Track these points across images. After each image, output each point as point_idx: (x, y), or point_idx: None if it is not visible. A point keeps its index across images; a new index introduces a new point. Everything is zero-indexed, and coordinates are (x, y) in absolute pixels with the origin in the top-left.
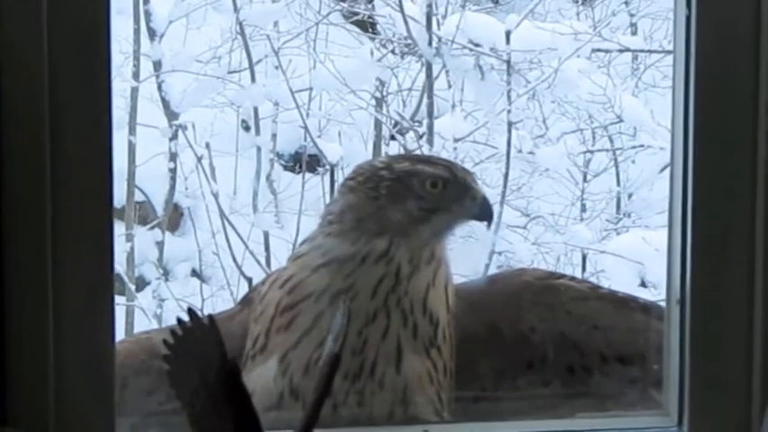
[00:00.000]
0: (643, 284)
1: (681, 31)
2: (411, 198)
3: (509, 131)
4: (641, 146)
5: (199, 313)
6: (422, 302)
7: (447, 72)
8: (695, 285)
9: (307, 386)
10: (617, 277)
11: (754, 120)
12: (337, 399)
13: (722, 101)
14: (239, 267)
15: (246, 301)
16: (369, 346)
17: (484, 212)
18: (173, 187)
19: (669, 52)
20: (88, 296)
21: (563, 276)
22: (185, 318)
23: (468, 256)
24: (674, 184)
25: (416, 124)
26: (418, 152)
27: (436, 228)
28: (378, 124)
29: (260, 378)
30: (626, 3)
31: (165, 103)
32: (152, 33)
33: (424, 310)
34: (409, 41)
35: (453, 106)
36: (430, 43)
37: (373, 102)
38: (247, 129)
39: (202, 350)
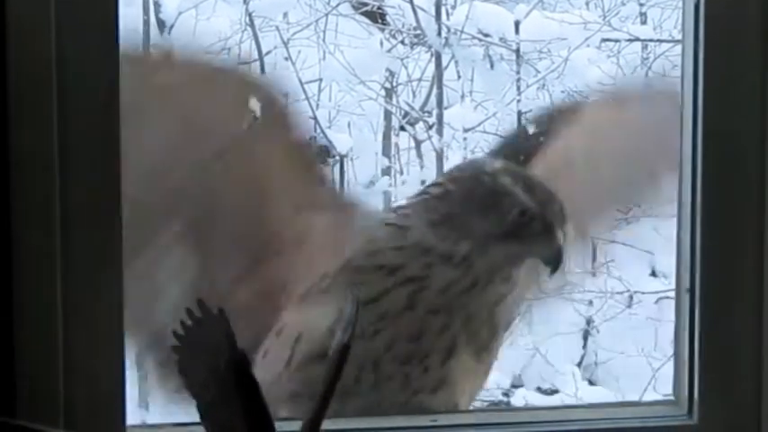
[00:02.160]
0: (653, 274)
1: (689, 20)
2: (497, 215)
3: (519, 121)
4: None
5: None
6: (488, 314)
7: (456, 62)
8: (705, 274)
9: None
10: (627, 267)
11: (763, 109)
12: (382, 376)
13: (730, 89)
14: None
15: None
16: (425, 338)
17: (552, 260)
18: None
19: (678, 41)
20: (98, 290)
21: None
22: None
23: None
24: (683, 172)
25: (426, 114)
26: (462, 152)
27: (509, 252)
28: (387, 115)
29: (314, 321)
30: None
31: None
32: (161, 24)
33: (489, 321)
34: (419, 32)
35: (463, 96)
36: (439, 33)
37: (383, 92)
38: (256, 118)
39: (212, 341)
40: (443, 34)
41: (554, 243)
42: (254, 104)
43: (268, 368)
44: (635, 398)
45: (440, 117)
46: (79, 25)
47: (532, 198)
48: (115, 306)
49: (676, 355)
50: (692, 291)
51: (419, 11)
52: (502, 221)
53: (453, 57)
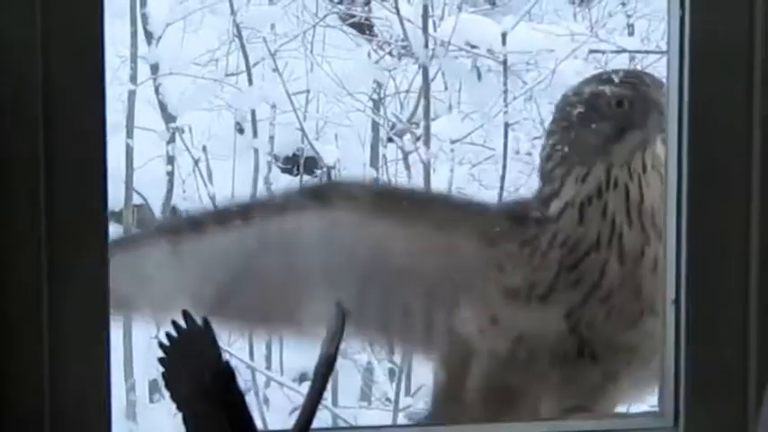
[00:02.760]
0: None
1: (675, 31)
2: (601, 120)
3: (506, 133)
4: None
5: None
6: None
7: (443, 74)
8: (690, 285)
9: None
10: None
11: (748, 119)
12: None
13: (716, 101)
14: None
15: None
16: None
17: (659, 128)
18: (170, 190)
19: (665, 53)
20: (84, 300)
21: None
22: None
23: None
24: (668, 183)
25: (414, 126)
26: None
27: (632, 145)
28: (375, 126)
29: (540, 327)
30: (623, 3)
31: (163, 107)
32: (149, 36)
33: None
34: (406, 43)
35: (450, 108)
36: (426, 45)
37: (370, 104)
38: (241, 131)
39: (198, 352)
40: (431, 46)
41: (663, 110)
42: None
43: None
44: (622, 409)
45: (427, 128)
46: (64, 36)
47: (619, 88)
48: (100, 313)
49: (661, 366)
50: (677, 302)
51: (406, 22)
52: (609, 122)
53: (440, 68)
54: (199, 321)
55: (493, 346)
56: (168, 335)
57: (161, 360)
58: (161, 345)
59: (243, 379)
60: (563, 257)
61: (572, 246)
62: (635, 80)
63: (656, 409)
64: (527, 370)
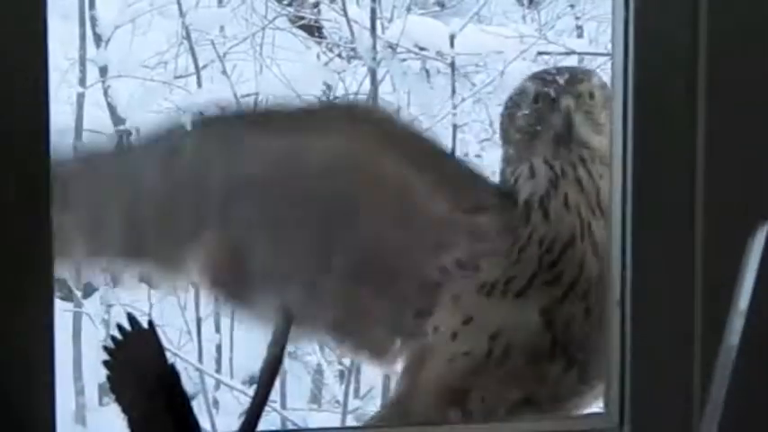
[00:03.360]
0: None
1: (619, 34)
2: (522, 117)
3: (454, 135)
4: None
5: (139, 319)
6: None
7: (392, 76)
8: (635, 286)
9: (569, 341)
10: None
11: (691, 122)
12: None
13: (660, 102)
14: None
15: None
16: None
17: (561, 126)
18: None
19: (610, 55)
20: (27, 305)
21: None
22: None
23: None
24: (613, 185)
25: None
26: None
27: (548, 140)
28: None
29: (515, 323)
30: (572, 6)
31: (112, 109)
32: (98, 39)
33: None
34: (355, 45)
35: (399, 110)
36: (374, 47)
37: None
38: None
39: (143, 355)
40: (379, 48)
41: (561, 108)
42: None
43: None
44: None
45: None
46: (6, 37)
47: (534, 82)
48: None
49: (607, 366)
50: (622, 303)
51: (355, 24)
52: (528, 118)
53: (389, 70)
54: (144, 324)
55: (466, 347)
56: (113, 338)
57: (106, 363)
58: (106, 348)
59: (192, 382)
60: (542, 255)
61: (549, 244)
62: (551, 77)
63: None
64: (501, 370)
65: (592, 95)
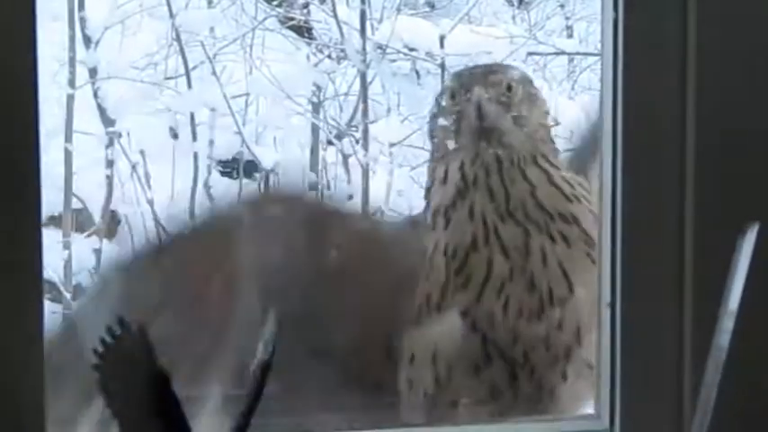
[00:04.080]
0: None
1: (608, 34)
2: (442, 113)
3: None
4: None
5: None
6: None
7: (382, 77)
8: (625, 289)
9: (500, 338)
10: None
11: (681, 121)
12: None
13: (650, 103)
14: None
15: (412, 224)
16: None
17: (474, 116)
18: (110, 195)
19: (600, 55)
20: (16, 306)
21: None
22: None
23: None
24: (603, 186)
25: (353, 129)
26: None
27: (466, 141)
28: (315, 129)
29: (444, 335)
30: (561, 6)
31: (102, 110)
32: (88, 40)
33: None
34: (345, 46)
35: (389, 111)
36: (364, 48)
37: (310, 107)
38: (176, 137)
39: (133, 358)
40: (369, 49)
41: (472, 99)
42: None
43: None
44: None
45: (365, 131)
46: None
47: (450, 80)
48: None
49: (597, 368)
50: (612, 305)
51: (345, 25)
52: (446, 116)
53: (379, 71)
54: (134, 327)
55: (420, 386)
56: (103, 341)
57: (95, 366)
58: (95, 351)
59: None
60: (448, 262)
61: (452, 251)
62: (467, 72)
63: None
64: (451, 387)
65: (509, 87)
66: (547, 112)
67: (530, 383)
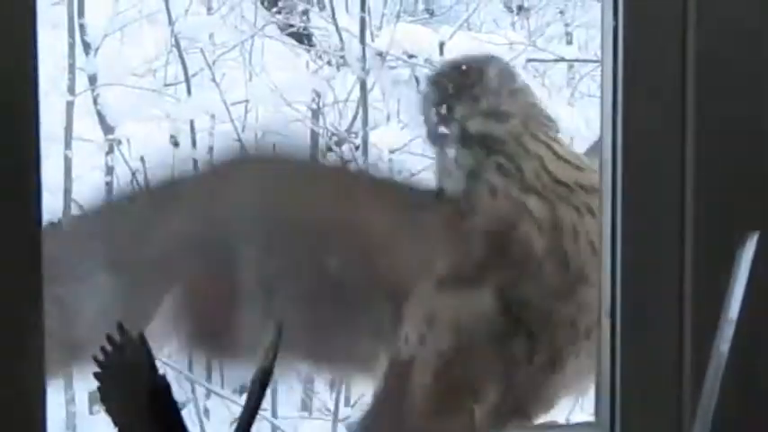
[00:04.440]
0: None
1: (608, 41)
2: (428, 115)
3: None
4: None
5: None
6: None
7: (382, 84)
8: (625, 297)
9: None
10: None
11: (681, 130)
12: None
13: (649, 111)
14: None
15: (445, 199)
16: None
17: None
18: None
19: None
20: (19, 312)
21: None
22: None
23: None
24: (603, 194)
25: (353, 136)
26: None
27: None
28: (314, 136)
29: (472, 308)
30: (561, 12)
31: (101, 117)
32: (87, 47)
33: None
34: (344, 53)
35: (389, 117)
36: (364, 55)
37: (309, 114)
38: (176, 144)
39: (133, 365)
40: (368, 55)
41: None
42: None
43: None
44: (562, 418)
45: (365, 138)
46: None
47: (435, 90)
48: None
49: (598, 377)
50: (612, 314)
51: (344, 32)
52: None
53: (378, 78)
54: (134, 335)
55: (434, 348)
56: (103, 348)
57: (96, 374)
58: (95, 358)
59: (183, 391)
60: (486, 242)
61: (490, 230)
62: (443, 81)
63: (593, 419)
64: (470, 362)
65: (481, 94)
66: (532, 93)
67: (546, 358)
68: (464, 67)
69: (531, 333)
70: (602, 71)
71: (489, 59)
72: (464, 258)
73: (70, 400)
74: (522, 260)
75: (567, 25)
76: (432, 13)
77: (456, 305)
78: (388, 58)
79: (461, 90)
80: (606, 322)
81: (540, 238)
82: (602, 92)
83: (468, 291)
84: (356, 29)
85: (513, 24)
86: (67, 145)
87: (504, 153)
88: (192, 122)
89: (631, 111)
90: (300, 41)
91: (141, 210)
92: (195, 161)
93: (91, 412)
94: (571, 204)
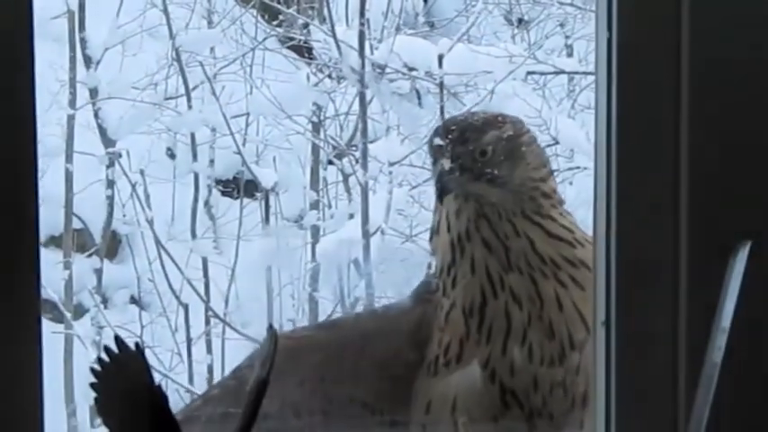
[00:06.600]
0: None
1: (602, 53)
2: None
3: None
4: (578, 168)
5: (126, 341)
6: None
7: (381, 96)
8: (620, 307)
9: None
10: None
11: (675, 142)
12: None
13: (643, 122)
14: (176, 295)
15: (421, 300)
16: None
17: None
18: (110, 215)
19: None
20: (13, 329)
21: None
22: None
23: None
24: (597, 205)
25: (353, 148)
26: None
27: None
28: (315, 149)
29: (463, 385)
30: (561, 25)
31: (102, 131)
32: (88, 61)
33: None
34: (344, 66)
35: (388, 130)
36: (363, 68)
37: (310, 126)
38: (172, 156)
39: (130, 378)
40: (368, 68)
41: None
42: None
43: None
44: None
45: (364, 151)
46: None
47: (434, 134)
48: (33, 342)
49: (593, 387)
50: (607, 323)
51: (343, 45)
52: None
53: (378, 91)
54: (131, 346)
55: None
56: (101, 360)
57: (93, 386)
58: (93, 370)
59: (184, 403)
60: (466, 319)
61: (468, 308)
62: (443, 134)
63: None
64: None
65: (483, 153)
66: (540, 165)
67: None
68: (472, 127)
69: (524, 404)
70: (596, 83)
71: (502, 124)
72: (448, 337)
73: (71, 414)
74: (506, 333)
75: (567, 37)
76: (431, 26)
77: (448, 385)
78: (388, 70)
79: (459, 153)
80: (601, 332)
81: (517, 308)
82: (596, 103)
83: (456, 368)
84: (355, 41)
85: (513, 37)
86: (68, 159)
87: (492, 228)
88: (192, 135)
89: (626, 122)
90: (301, 54)
91: None
92: (196, 174)
93: (92, 425)
94: (555, 279)
